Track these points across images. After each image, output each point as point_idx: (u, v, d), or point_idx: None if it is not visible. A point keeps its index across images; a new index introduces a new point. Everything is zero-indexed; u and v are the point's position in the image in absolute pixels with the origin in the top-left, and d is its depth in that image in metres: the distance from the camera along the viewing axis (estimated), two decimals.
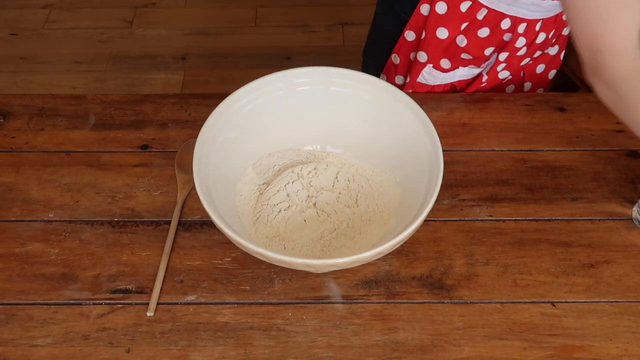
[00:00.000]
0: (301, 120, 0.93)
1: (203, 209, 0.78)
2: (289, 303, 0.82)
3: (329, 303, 0.83)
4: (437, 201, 0.80)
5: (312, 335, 0.79)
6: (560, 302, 0.83)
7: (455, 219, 0.91)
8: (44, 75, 2.29)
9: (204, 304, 0.82)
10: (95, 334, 0.79)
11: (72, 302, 0.82)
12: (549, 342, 0.79)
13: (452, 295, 0.83)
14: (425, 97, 1.07)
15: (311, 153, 0.95)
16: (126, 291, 0.83)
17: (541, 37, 1.09)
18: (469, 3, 1.03)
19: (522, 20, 1.04)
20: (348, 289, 0.84)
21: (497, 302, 0.83)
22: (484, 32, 1.06)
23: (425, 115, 0.86)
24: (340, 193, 0.90)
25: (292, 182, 0.90)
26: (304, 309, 0.82)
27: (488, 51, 1.10)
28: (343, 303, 0.83)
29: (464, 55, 1.10)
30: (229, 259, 0.86)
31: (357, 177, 0.91)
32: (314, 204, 0.89)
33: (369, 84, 0.91)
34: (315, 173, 0.91)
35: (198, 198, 0.78)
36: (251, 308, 0.82)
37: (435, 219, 0.91)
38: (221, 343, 0.79)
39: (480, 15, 1.04)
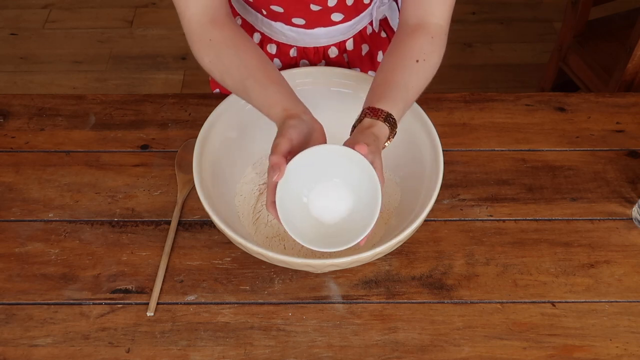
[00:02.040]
0: None
1: (203, 209, 0.78)
2: (289, 303, 0.82)
3: (329, 303, 0.83)
4: (437, 201, 0.80)
5: (312, 335, 0.79)
6: (560, 302, 0.83)
7: (455, 219, 0.91)
8: (44, 75, 2.29)
9: (204, 304, 0.82)
10: (95, 333, 0.79)
11: (72, 302, 0.82)
12: (549, 342, 0.79)
13: (452, 295, 0.83)
14: (426, 97, 1.07)
15: None
16: (126, 291, 0.83)
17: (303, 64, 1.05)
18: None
19: (271, 40, 1.03)
20: (348, 289, 0.84)
21: (497, 302, 0.83)
22: None
23: (426, 115, 0.86)
24: None
25: None
26: (304, 309, 0.82)
27: None
28: (343, 303, 0.82)
29: None
30: (229, 259, 0.86)
31: None
32: None
33: (369, 83, 0.90)
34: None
35: (198, 198, 0.78)
36: (251, 308, 0.82)
37: (435, 219, 0.91)
38: (221, 343, 0.79)
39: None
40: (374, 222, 0.70)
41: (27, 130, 1.02)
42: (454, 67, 2.29)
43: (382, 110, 0.75)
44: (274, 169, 0.70)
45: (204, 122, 0.86)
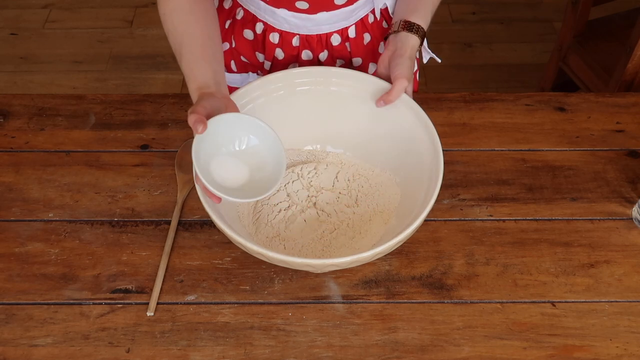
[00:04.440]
0: (301, 120, 0.93)
1: (203, 209, 0.78)
2: (289, 303, 0.82)
3: (329, 303, 0.83)
4: (437, 201, 0.80)
5: (312, 335, 0.79)
6: (560, 302, 0.83)
7: (455, 218, 0.91)
8: (44, 75, 2.29)
9: (204, 303, 0.82)
10: (95, 333, 0.79)
11: (72, 302, 0.82)
12: (549, 342, 0.79)
13: (452, 295, 0.83)
14: (426, 97, 1.07)
15: (311, 153, 0.95)
16: (126, 291, 0.83)
17: (306, 54, 1.05)
18: (230, 1, 1.03)
19: (274, 29, 1.02)
20: (348, 288, 0.84)
21: (497, 302, 0.83)
22: (248, 34, 1.04)
23: (426, 115, 0.86)
24: (340, 193, 0.90)
25: (292, 182, 0.90)
26: (304, 309, 0.82)
27: (260, 57, 1.06)
28: (343, 303, 0.83)
29: (243, 59, 1.07)
30: (229, 259, 0.86)
31: (357, 177, 0.91)
32: (314, 204, 0.89)
33: (369, 83, 0.91)
34: (315, 173, 0.91)
35: (198, 198, 0.78)
36: (251, 308, 0.82)
37: (435, 218, 0.91)
38: (221, 343, 0.79)
39: (238, 15, 1.03)
40: (281, 179, 0.79)
41: (27, 130, 1.02)
42: (454, 67, 2.29)
43: (416, 25, 0.91)
44: (197, 124, 0.74)
45: None
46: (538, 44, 2.39)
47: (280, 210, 0.88)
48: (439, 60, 1.02)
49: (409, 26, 0.91)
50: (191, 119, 0.74)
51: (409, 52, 0.90)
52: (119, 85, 2.26)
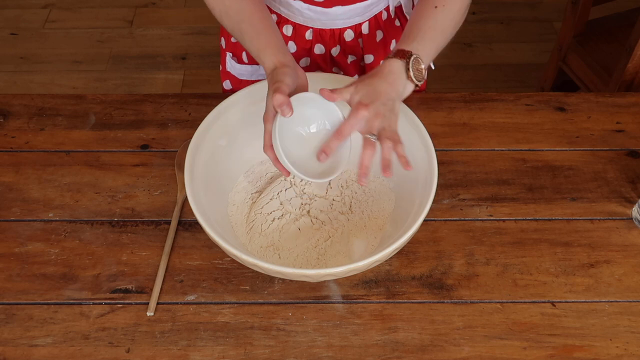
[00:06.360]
0: None
1: None
2: (289, 303, 0.82)
3: (329, 303, 0.83)
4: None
5: (312, 335, 0.79)
6: (560, 302, 0.83)
7: (455, 218, 0.91)
8: (44, 75, 2.29)
9: (204, 303, 0.82)
10: (95, 333, 0.79)
11: (72, 302, 0.82)
12: (549, 342, 0.79)
13: (452, 295, 0.83)
14: (426, 97, 1.07)
15: None
16: (126, 291, 0.83)
17: (318, 49, 1.05)
18: None
19: (287, 21, 1.02)
20: (348, 288, 0.84)
21: (497, 302, 0.83)
22: None
23: (419, 121, 0.85)
24: (333, 200, 0.89)
25: (285, 189, 0.89)
26: (304, 309, 0.82)
27: None
28: (343, 303, 0.83)
29: None
30: (229, 259, 0.86)
31: (351, 184, 0.91)
32: (308, 212, 0.88)
33: None
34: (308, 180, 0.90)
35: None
36: (251, 308, 0.82)
37: (435, 218, 0.91)
38: (221, 343, 0.79)
39: None
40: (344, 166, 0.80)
41: (27, 130, 1.02)
42: (454, 67, 2.29)
43: (405, 51, 0.83)
44: (285, 108, 0.74)
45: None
46: (538, 44, 2.39)
47: (274, 219, 0.87)
48: (432, 67, 1.01)
49: (398, 53, 0.83)
50: (277, 100, 0.75)
51: (384, 73, 0.81)
52: (119, 85, 2.26)
